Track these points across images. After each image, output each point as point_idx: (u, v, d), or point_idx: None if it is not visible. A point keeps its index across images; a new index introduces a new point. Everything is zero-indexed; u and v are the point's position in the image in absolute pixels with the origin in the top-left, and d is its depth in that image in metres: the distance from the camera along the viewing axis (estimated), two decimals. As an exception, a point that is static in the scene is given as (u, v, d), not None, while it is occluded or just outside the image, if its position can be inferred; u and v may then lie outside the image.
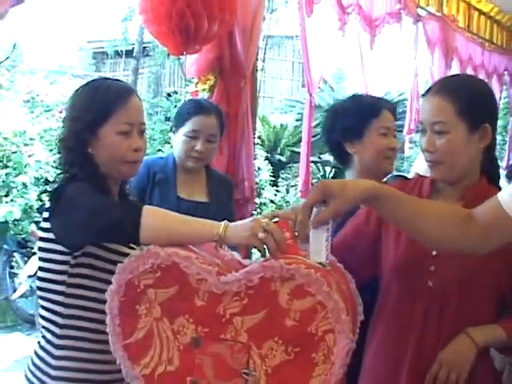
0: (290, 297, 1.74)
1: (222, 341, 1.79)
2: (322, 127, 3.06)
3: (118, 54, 20.29)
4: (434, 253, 2.19)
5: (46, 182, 7.95)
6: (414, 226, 1.96)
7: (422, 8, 6.91)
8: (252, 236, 1.81)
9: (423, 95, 2.31)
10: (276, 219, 1.89)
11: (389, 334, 2.27)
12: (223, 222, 1.89)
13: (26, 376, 2.21)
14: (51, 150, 8.07)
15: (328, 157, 13.62)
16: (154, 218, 1.95)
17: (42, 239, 2.19)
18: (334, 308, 1.71)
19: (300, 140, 5.24)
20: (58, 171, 2.31)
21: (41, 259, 2.21)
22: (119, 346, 1.90)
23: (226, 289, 1.78)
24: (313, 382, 1.73)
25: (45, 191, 7.88)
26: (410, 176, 5.33)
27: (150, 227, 1.91)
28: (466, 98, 2.17)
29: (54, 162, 8.01)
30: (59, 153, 2.30)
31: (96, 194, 2.08)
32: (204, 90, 3.89)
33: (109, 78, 2.43)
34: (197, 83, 3.94)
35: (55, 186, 2.30)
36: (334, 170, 13.51)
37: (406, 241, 2.20)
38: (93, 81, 2.39)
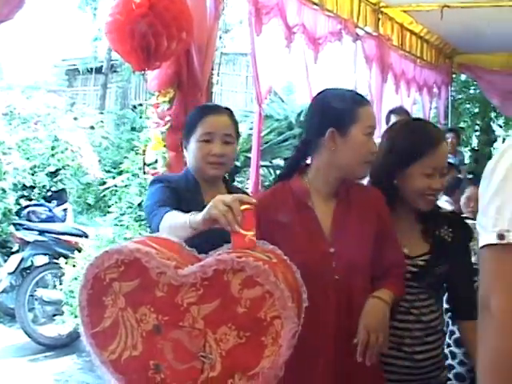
0: (241, 287, 1.74)
1: (180, 327, 1.79)
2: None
3: (88, 70, 20.22)
4: (332, 250, 2.26)
5: (24, 187, 7.86)
6: None
7: (361, 28, 6.96)
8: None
9: (364, 104, 2.33)
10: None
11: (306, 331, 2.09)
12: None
13: None
14: (28, 159, 7.98)
15: (279, 161, 13.65)
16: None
17: None
18: (280, 296, 1.72)
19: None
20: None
21: None
22: (88, 334, 1.89)
23: (184, 281, 1.78)
24: (263, 363, 1.74)
25: (22, 196, 7.79)
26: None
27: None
28: None
29: (31, 169, 7.94)
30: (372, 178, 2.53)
31: None
32: (164, 102, 3.87)
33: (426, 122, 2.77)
34: (158, 96, 3.92)
35: None
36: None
37: (303, 245, 2.25)
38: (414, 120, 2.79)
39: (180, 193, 2.54)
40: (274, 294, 1.72)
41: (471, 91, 13.27)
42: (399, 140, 2.46)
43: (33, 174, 8.01)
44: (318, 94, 2.43)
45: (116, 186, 5.63)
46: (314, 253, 2.24)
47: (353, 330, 2.19)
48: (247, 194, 2.99)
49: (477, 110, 13.39)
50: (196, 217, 1.97)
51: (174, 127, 3.86)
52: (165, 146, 3.90)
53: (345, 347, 2.21)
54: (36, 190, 8.00)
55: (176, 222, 2.13)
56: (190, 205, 2.40)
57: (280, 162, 13.53)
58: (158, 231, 2.24)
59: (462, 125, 12.82)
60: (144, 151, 4.07)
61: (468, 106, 13.52)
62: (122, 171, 5.69)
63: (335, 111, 2.28)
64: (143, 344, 1.83)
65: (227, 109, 2.78)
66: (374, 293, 2.27)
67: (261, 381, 1.74)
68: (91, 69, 20.03)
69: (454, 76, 11.13)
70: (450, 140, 8.10)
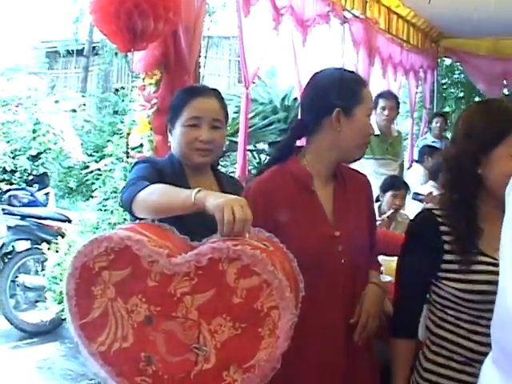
0: (237, 276, 1.69)
1: (173, 318, 1.74)
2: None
3: (69, 52, 19.95)
4: (337, 233, 2.23)
5: (4, 171, 7.76)
6: None
7: (348, 11, 6.91)
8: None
9: (366, 85, 2.34)
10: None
11: (315, 318, 2.16)
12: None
13: None
14: (8, 142, 7.88)
15: (263, 145, 13.59)
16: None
17: None
18: (278, 286, 1.67)
19: (237, 131, 5.16)
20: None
21: None
22: (76, 325, 1.84)
23: (177, 270, 1.72)
24: (260, 355, 1.69)
25: (3, 180, 7.68)
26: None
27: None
28: None
29: (11, 152, 7.83)
30: (449, 170, 2.17)
31: None
32: (151, 84, 3.79)
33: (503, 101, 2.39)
34: (144, 78, 3.84)
35: None
36: (268, 157, 13.44)
37: (308, 230, 2.20)
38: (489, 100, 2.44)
39: (165, 176, 2.33)
40: (271, 283, 1.66)
41: (456, 76, 13.28)
42: (477, 122, 2.15)
43: (14, 158, 7.91)
44: (320, 73, 2.35)
45: (100, 169, 5.54)
46: (320, 237, 2.21)
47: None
48: (236, 180, 2.91)
49: (461, 95, 13.42)
50: (203, 197, 1.84)
51: (160, 110, 3.78)
52: (151, 129, 3.83)
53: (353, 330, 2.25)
54: (17, 174, 7.91)
55: (171, 194, 1.98)
56: None
57: (264, 146, 13.48)
58: (130, 201, 2.08)
59: (446, 109, 12.83)
60: (128, 134, 3.99)
61: (453, 90, 13.53)
62: (104, 155, 5.61)
63: (342, 91, 2.23)
64: (134, 335, 1.78)
65: (215, 90, 2.59)
66: (372, 279, 2.34)
67: (257, 373, 1.70)
68: (72, 51, 19.82)
69: (438, 60, 11.12)
70: (438, 125, 8.15)
